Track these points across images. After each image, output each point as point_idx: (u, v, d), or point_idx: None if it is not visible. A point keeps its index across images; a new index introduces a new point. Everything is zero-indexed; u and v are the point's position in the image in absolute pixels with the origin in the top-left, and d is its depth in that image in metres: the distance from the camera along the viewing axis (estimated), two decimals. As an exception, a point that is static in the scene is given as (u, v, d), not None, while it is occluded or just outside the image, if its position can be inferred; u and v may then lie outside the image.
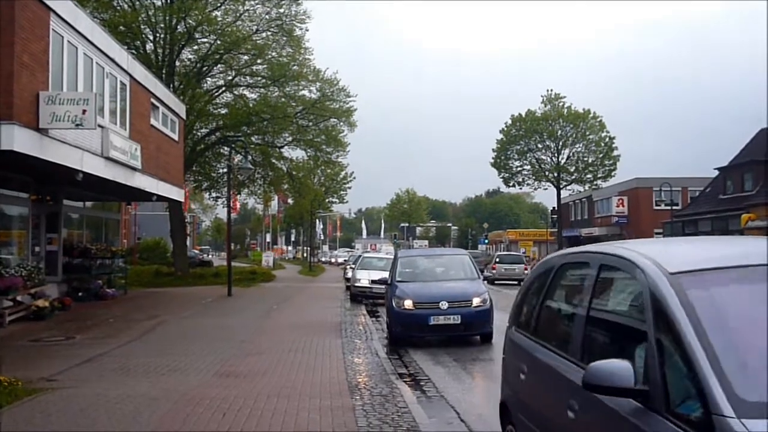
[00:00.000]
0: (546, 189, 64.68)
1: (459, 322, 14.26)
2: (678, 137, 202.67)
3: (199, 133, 39.46)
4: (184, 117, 29.44)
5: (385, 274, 23.49)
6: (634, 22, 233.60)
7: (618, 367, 3.25)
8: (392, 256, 31.20)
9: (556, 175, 61.97)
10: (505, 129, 63.86)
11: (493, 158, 64.65)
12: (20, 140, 13.69)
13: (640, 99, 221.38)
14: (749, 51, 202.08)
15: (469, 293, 14.78)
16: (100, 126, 17.31)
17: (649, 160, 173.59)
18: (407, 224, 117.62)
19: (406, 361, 13.10)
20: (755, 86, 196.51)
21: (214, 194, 44.09)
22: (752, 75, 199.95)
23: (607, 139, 60.66)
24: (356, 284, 27.06)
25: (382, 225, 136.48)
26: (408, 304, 14.57)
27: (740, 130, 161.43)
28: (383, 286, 22.96)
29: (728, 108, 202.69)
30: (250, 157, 35.93)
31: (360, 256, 35.85)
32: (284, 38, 37.75)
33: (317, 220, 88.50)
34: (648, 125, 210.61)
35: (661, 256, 3.76)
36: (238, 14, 36.85)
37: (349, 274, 34.72)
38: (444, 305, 14.30)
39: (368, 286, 25.19)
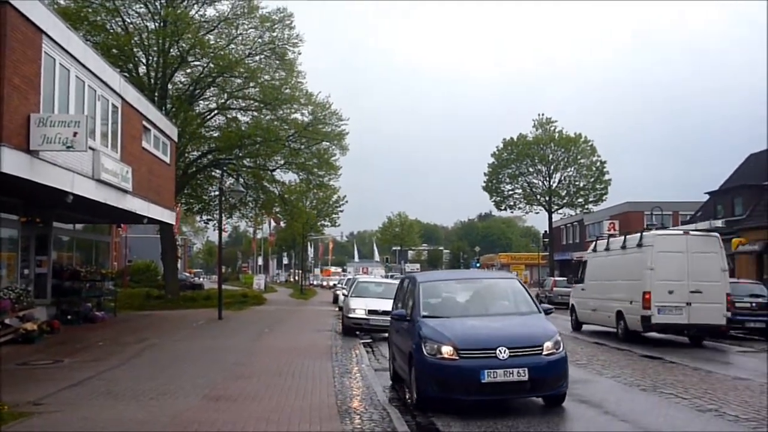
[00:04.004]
0: (538, 213, 64.81)
1: (526, 377, 9.68)
2: (669, 162, 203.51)
3: (191, 156, 39.46)
4: (176, 140, 29.46)
5: (386, 303, 20.84)
6: (630, 46, 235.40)
7: None
8: (391, 281, 28.35)
9: (547, 198, 62.12)
10: (497, 153, 64.07)
11: (484, 182, 64.81)
12: (10, 162, 13.66)
13: (631, 123, 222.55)
14: (744, 74, 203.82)
15: (537, 335, 10.27)
16: (91, 148, 17.31)
17: (640, 185, 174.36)
18: (399, 248, 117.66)
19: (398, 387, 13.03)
20: (746, 110, 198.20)
21: (205, 217, 44.04)
22: (744, 99, 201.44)
23: (598, 164, 60.90)
24: (350, 315, 22.56)
25: (375, 248, 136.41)
26: (447, 350, 9.88)
27: (731, 156, 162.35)
28: (384, 318, 20.32)
29: (719, 133, 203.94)
30: (241, 180, 36.15)
31: (354, 280, 30.61)
32: (277, 62, 37.95)
33: (309, 244, 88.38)
34: (639, 149, 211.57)
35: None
36: (231, 38, 37.05)
37: (340, 298, 33.84)
38: (503, 353, 9.71)
39: (365, 317, 21.93)
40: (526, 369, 9.67)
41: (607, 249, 23.48)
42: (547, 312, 11.47)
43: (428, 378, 10.02)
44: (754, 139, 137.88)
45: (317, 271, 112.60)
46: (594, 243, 25.51)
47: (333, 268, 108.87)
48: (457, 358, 9.84)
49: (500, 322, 10.76)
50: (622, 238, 22.80)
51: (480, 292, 12.15)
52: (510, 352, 9.73)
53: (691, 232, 21.80)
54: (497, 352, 9.73)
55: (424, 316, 10.96)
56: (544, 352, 9.96)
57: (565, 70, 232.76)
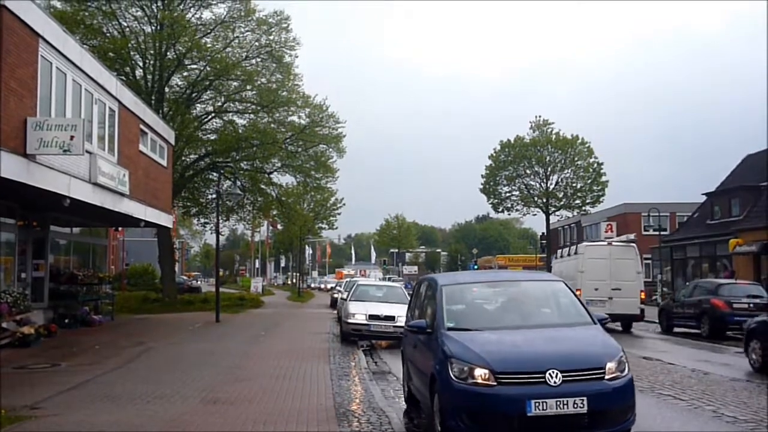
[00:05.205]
0: (535, 215, 64.69)
1: (584, 409, 7.47)
2: (666, 163, 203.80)
3: (188, 159, 39.46)
4: (172, 143, 29.43)
5: (387, 307, 20.76)
6: (628, 47, 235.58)
7: None
8: (394, 284, 27.58)
9: (544, 200, 62.06)
10: (494, 155, 64.02)
11: (482, 184, 64.76)
12: (7, 166, 13.64)
13: (629, 124, 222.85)
14: (742, 75, 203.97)
15: (596, 353, 8.08)
16: (88, 152, 17.27)
17: (637, 186, 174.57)
18: (397, 250, 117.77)
19: (396, 387, 13.02)
20: (744, 111, 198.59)
21: (202, 220, 44.02)
22: (742, 99, 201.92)
23: (595, 165, 60.89)
24: (349, 320, 20.92)
25: (372, 251, 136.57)
26: (481, 374, 7.69)
27: (729, 157, 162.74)
28: (385, 323, 20.12)
29: (717, 134, 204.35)
30: (239, 183, 36.11)
31: (354, 283, 28.40)
32: (274, 65, 37.97)
33: (306, 246, 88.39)
34: (637, 151, 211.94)
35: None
36: (227, 41, 37.09)
37: (337, 297, 33.51)
38: (554, 378, 7.54)
39: (365, 322, 20.45)
40: (584, 398, 7.48)
41: (562, 256, 29.96)
42: (602, 322, 9.18)
43: (456, 409, 7.77)
44: (751, 139, 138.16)
45: (315, 273, 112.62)
46: (557, 251, 32.45)
47: (345, 270, 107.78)
48: (494, 384, 7.61)
49: (547, 337, 8.49)
50: (568, 248, 29.91)
51: (518, 297, 9.77)
52: (563, 377, 7.55)
53: (614, 243, 28.61)
54: (547, 376, 7.54)
55: (449, 329, 8.76)
56: (607, 376, 7.75)
57: (564, 71, 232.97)
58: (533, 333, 8.57)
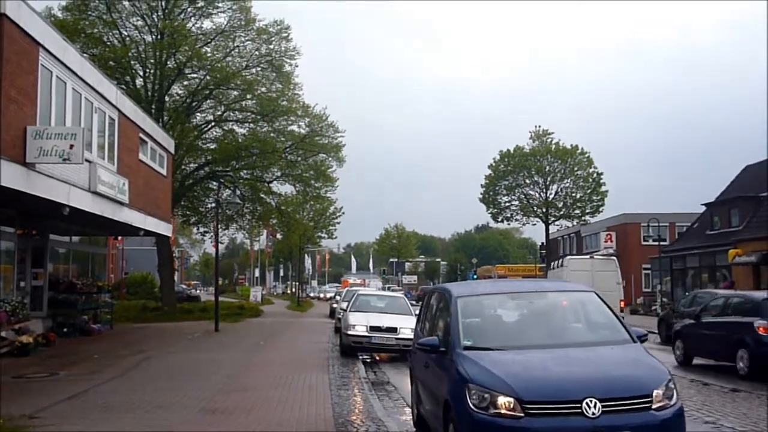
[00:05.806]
0: (534, 224, 64.77)
1: None
2: (667, 173, 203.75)
3: (187, 168, 39.48)
4: (172, 152, 29.46)
5: (389, 318, 19.83)
6: (628, 56, 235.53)
7: None
8: (396, 294, 26.81)
9: (544, 210, 62.08)
10: (494, 164, 64.10)
11: (481, 194, 64.79)
12: (7, 175, 13.64)
13: (629, 134, 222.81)
14: (742, 85, 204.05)
15: (640, 377, 6.94)
16: (87, 161, 17.29)
17: (637, 196, 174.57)
18: (396, 259, 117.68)
19: (395, 397, 12.99)
20: (743, 113, 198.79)
21: (202, 229, 44.01)
22: (741, 109, 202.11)
23: (594, 175, 60.96)
24: (349, 331, 19.76)
25: (371, 260, 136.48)
26: (505, 403, 6.59)
27: (728, 167, 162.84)
28: (387, 335, 19.16)
29: (717, 144, 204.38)
30: (238, 192, 36.08)
31: (354, 293, 26.52)
32: (273, 74, 38.07)
33: (306, 255, 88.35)
34: (637, 161, 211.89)
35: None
36: (228, 50, 37.19)
37: (338, 311, 33.34)
38: (592, 407, 6.44)
39: (366, 334, 19.37)
40: None
41: (554, 268, 33.42)
42: (641, 339, 7.89)
43: None
44: (750, 141, 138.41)
45: (314, 282, 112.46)
46: (551, 263, 36.81)
47: (352, 279, 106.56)
48: (521, 415, 6.48)
49: (582, 358, 7.25)
50: (558, 261, 33.97)
51: (544, 310, 8.54)
52: (603, 407, 6.43)
53: (595, 256, 32.88)
54: (584, 406, 6.42)
55: (466, 347, 7.54)
56: (654, 405, 6.61)
57: (564, 72, 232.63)
58: (565, 353, 7.35)
